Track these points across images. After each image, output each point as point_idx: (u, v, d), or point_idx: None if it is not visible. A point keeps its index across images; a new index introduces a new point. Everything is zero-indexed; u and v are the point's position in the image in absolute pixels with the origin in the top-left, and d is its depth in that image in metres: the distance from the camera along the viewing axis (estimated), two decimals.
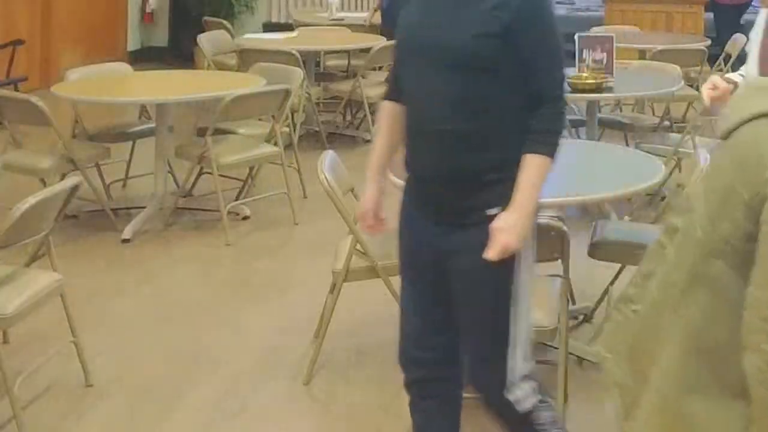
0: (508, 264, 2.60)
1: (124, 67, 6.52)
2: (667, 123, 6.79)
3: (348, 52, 8.50)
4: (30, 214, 3.44)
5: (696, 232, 1.95)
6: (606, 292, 4.40)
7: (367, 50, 7.69)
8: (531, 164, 2.57)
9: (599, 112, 6.44)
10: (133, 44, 11.15)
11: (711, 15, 10.48)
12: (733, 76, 3.31)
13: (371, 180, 2.88)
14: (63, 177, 5.14)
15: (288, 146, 6.25)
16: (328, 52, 8.72)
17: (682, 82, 6.18)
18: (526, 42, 2.56)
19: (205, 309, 4.65)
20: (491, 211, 2.58)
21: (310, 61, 7.93)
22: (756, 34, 3.24)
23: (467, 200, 2.63)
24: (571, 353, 3.90)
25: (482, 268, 2.58)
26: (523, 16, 2.55)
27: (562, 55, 2.66)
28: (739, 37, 8.12)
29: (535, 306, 3.45)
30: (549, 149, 2.60)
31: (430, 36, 2.62)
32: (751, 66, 3.19)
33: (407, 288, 2.84)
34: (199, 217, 5.96)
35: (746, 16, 11.19)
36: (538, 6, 2.60)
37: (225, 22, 8.98)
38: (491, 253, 2.54)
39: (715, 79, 3.27)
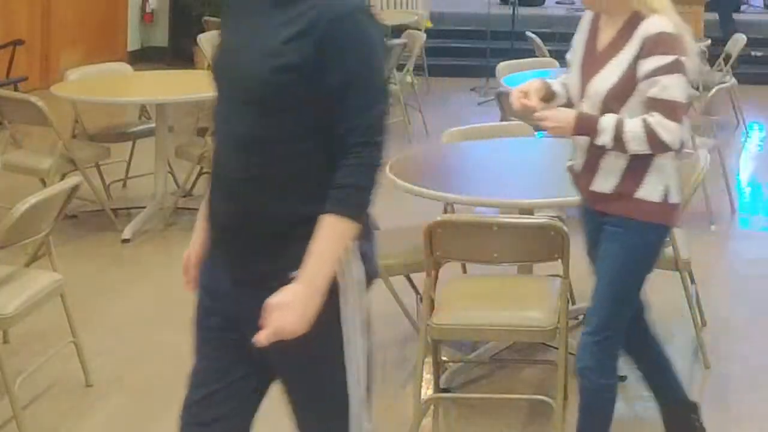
0: (331, 327, 2.17)
1: (124, 67, 6.51)
2: None
3: None
4: (30, 214, 3.44)
5: None
6: None
7: None
8: (326, 227, 2.09)
9: None
10: (133, 44, 11.14)
11: (710, 15, 10.47)
12: (554, 83, 3.15)
13: (202, 229, 2.35)
14: (63, 177, 5.13)
15: None
16: None
17: None
18: (332, 76, 2.10)
19: None
20: (296, 274, 2.10)
21: None
22: (579, 39, 3.07)
23: (267, 259, 2.17)
24: (571, 353, 3.89)
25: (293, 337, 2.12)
26: (329, 46, 2.09)
27: (381, 93, 2.16)
28: (739, 37, 8.13)
29: (534, 307, 3.49)
30: (350, 209, 2.10)
31: (229, 65, 2.24)
32: (574, 74, 3.03)
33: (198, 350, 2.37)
34: None
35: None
36: (350, 33, 2.12)
37: None
38: (260, 336, 2.07)
39: (536, 85, 3.05)
